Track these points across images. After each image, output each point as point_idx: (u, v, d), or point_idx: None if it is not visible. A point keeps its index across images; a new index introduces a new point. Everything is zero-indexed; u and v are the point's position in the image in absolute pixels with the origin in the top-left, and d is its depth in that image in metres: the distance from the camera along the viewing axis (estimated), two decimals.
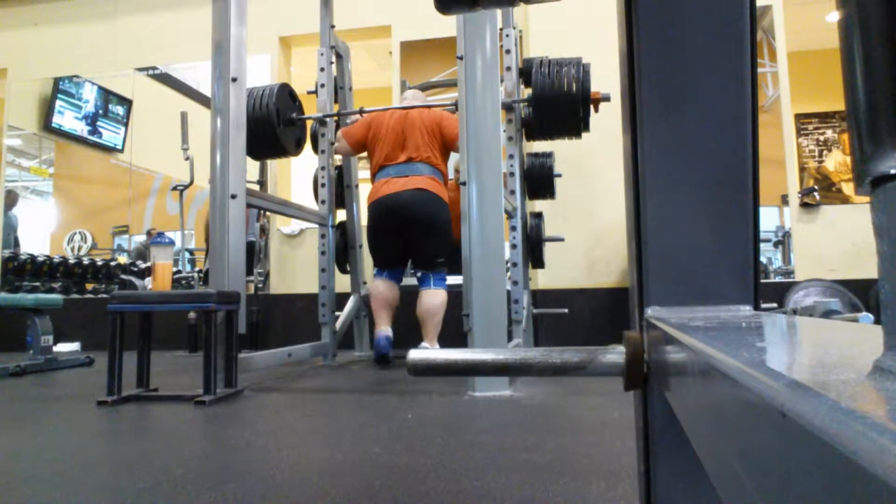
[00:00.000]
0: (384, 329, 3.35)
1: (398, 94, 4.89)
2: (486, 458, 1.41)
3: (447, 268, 3.39)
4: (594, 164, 4.59)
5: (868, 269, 4.26)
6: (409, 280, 3.76)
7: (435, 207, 3.30)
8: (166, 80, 5.98)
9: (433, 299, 3.27)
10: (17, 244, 6.21)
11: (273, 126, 3.48)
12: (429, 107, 3.55)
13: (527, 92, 3.86)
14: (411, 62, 5.13)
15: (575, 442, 1.56)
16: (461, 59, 2.54)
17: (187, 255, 5.66)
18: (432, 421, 1.90)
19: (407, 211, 3.27)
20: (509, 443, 1.57)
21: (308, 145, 4.02)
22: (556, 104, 3.26)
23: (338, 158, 4.09)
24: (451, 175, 3.69)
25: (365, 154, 3.63)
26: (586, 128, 3.39)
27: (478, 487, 1.19)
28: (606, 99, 3.23)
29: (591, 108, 3.31)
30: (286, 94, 3.67)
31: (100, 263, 6.11)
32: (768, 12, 4.71)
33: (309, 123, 4.01)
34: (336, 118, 3.92)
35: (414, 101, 3.62)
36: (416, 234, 3.33)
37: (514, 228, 3.60)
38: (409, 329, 4.52)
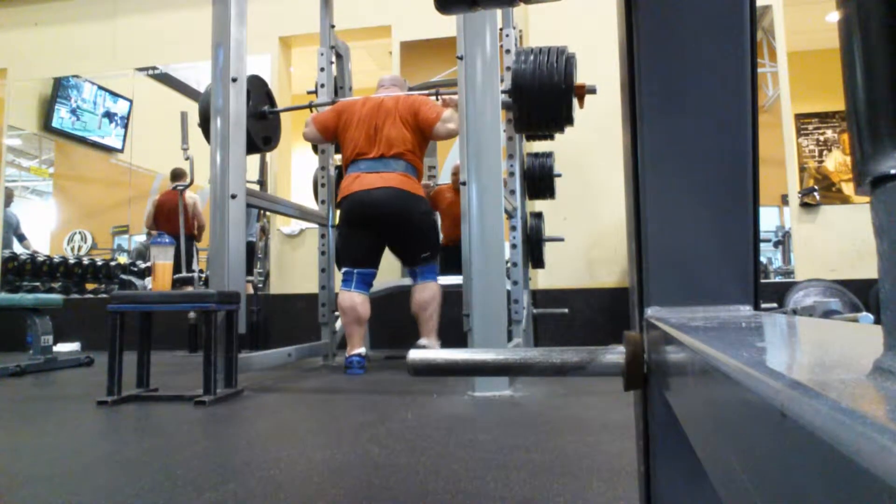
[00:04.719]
0: (359, 349, 3.19)
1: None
2: (486, 457, 1.41)
3: (435, 261, 3.25)
4: (594, 163, 4.59)
5: (868, 269, 4.26)
6: (406, 280, 3.75)
7: (408, 204, 3.14)
8: (166, 80, 5.98)
9: (423, 293, 3.17)
10: (22, 239, 6.22)
11: None
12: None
13: None
14: (411, 62, 5.13)
15: (575, 442, 1.56)
16: (461, 59, 2.54)
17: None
18: (432, 421, 1.90)
19: (379, 209, 3.11)
20: (509, 443, 1.57)
21: (302, 147, 4.00)
22: (534, 94, 3.03)
23: (338, 158, 4.08)
24: (447, 179, 3.66)
25: None
26: (569, 121, 3.16)
27: (478, 487, 1.19)
28: (592, 91, 3.04)
29: (576, 102, 3.08)
30: (257, 85, 3.51)
31: (100, 263, 6.11)
32: (768, 12, 4.71)
33: (302, 124, 4.00)
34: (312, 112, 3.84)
35: (391, 88, 3.44)
36: (393, 233, 3.20)
37: (514, 228, 3.60)
38: (407, 329, 4.52)
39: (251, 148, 3.56)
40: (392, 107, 3.21)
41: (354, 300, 3.18)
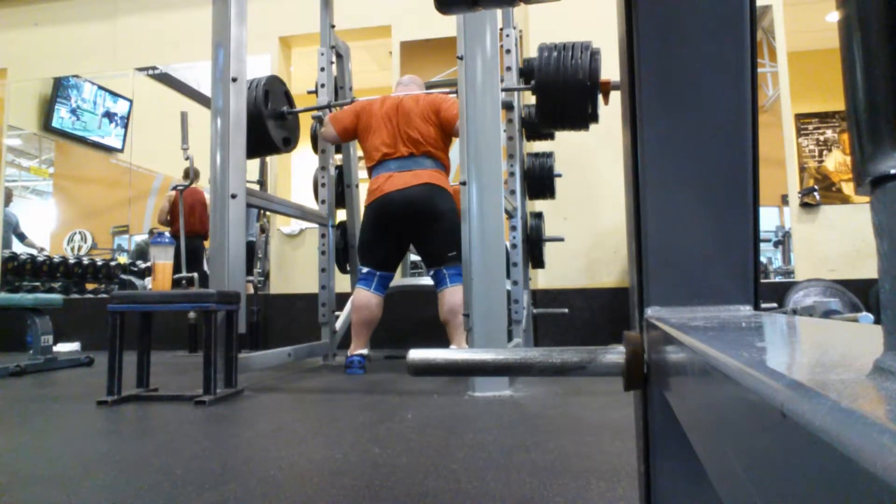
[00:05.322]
0: (362, 350, 3.18)
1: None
2: (486, 458, 1.41)
3: (461, 261, 3.05)
4: (594, 163, 4.59)
5: (868, 269, 4.26)
6: (409, 280, 3.75)
7: (441, 200, 3.11)
8: (166, 80, 5.98)
9: (454, 297, 3.02)
10: (23, 238, 6.22)
11: (260, 116, 3.28)
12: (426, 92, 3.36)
13: (526, 94, 3.85)
14: (411, 62, 5.13)
15: (575, 442, 1.56)
16: (461, 59, 2.54)
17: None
18: (432, 421, 1.90)
19: (414, 207, 3.08)
20: (509, 443, 1.57)
21: (302, 147, 3.99)
22: (560, 90, 2.99)
23: (338, 158, 4.08)
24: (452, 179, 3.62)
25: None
26: (595, 118, 3.14)
27: (478, 487, 1.19)
28: (617, 87, 2.88)
29: (601, 97, 3.04)
30: (277, 85, 3.52)
31: (100, 263, 6.12)
32: (768, 12, 4.71)
33: (309, 124, 4.01)
34: (329, 111, 3.87)
35: (410, 87, 3.42)
36: (422, 231, 3.14)
37: (514, 228, 3.60)
38: (407, 329, 4.52)
39: (270, 149, 3.55)
40: (413, 105, 3.20)
41: (371, 301, 3.17)
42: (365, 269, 3.24)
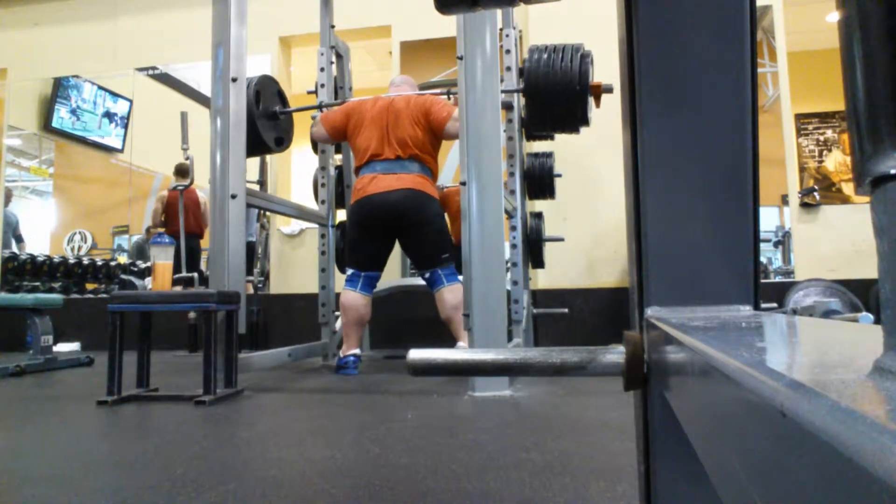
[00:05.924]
0: (355, 350, 3.19)
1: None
2: (486, 458, 1.41)
3: (453, 261, 3.12)
4: (594, 164, 4.59)
5: (868, 269, 4.26)
6: (407, 280, 3.74)
7: (425, 206, 3.11)
8: (166, 80, 5.99)
9: (453, 295, 3.05)
10: (20, 241, 6.22)
11: (251, 116, 3.22)
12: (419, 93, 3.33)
13: None
14: (411, 62, 5.13)
15: (575, 442, 1.56)
16: (461, 59, 2.54)
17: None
18: (432, 421, 1.90)
19: (396, 212, 3.08)
20: (509, 443, 1.57)
21: (302, 147, 3.98)
22: (548, 93, 2.96)
23: (338, 158, 4.08)
24: (448, 180, 3.63)
25: None
26: (585, 121, 3.12)
27: (478, 487, 1.19)
28: (609, 90, 2.94)
29: (592, 100, 3.02)
30: (269, 85, 3.49)
31: (100, 263, 6.12)
32: (768, 12, 4.71)
33: (307, 124, 4.00)
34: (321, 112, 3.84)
35: (402, 87, 3.40)
36: (409, 235, 3.16)
37: (514, 228, 3.60)
38: (407, 329, 4.52)
39: (263, 149, 3.52)
40: (403, 107, 3.17)
41: (358, 301, 3.17)
42: (350, 271, 3.24)
